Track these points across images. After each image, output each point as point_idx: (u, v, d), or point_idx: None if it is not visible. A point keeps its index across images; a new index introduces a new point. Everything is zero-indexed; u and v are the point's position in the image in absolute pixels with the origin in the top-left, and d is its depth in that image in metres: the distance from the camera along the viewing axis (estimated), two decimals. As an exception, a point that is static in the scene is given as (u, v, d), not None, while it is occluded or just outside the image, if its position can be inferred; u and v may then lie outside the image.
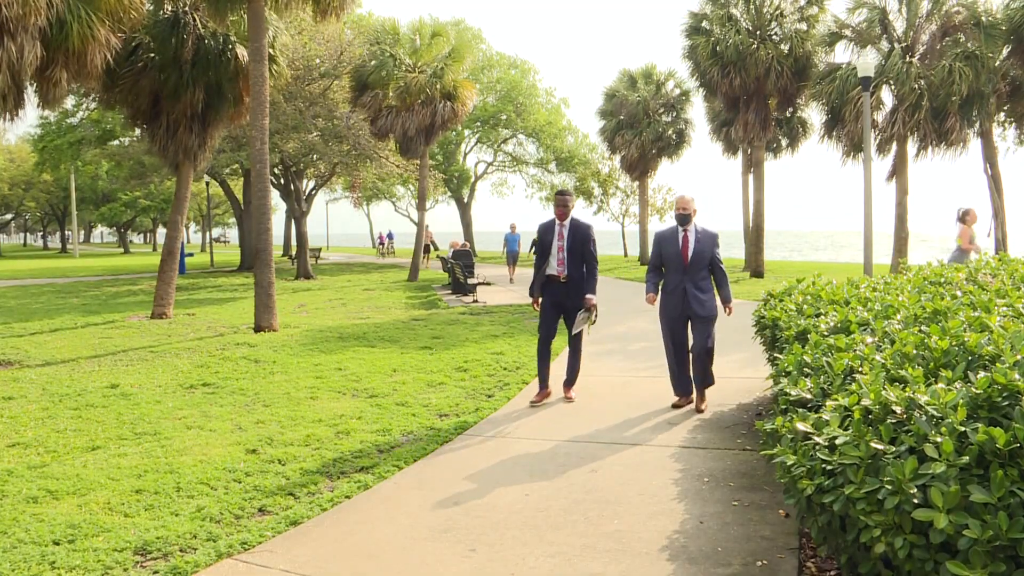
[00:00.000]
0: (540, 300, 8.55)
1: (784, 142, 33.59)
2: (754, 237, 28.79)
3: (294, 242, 41.45)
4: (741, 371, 9.65)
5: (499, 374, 10.04)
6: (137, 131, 24.21)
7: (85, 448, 6.99)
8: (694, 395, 7.91)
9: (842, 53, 24.99)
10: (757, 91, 27.18)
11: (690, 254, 7.71)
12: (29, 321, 17.44)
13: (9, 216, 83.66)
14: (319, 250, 45.71)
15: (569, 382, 8.60)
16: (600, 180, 46.60)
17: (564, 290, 8.27)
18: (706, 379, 7.83)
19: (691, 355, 7.88)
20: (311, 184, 38.26)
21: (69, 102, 32.62)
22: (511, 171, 54.77)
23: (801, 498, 3.54)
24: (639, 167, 37.64)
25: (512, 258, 28.69)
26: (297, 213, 34.97)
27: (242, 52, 17.54)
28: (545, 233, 8.35)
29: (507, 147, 52.96)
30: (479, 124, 49.09)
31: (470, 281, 21.03)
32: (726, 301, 7.86)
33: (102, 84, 16.86)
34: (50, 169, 41.38)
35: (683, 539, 4.64)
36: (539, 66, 51.58)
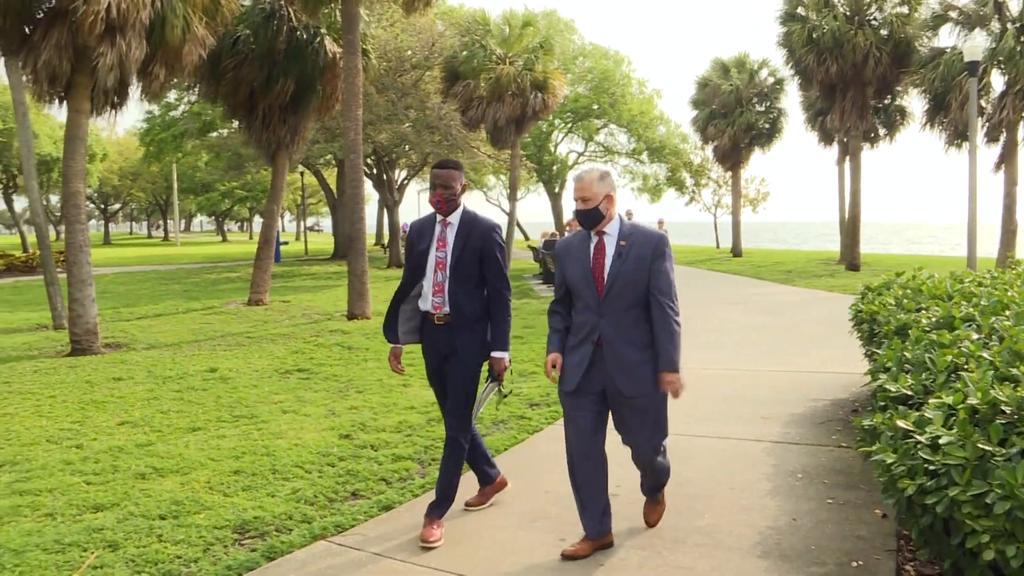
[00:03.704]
0: (399, 351, 5.06)
1: (882, 131, 32.55)
2: (850, 229, 28.02)
3: (386, 231, 42.06)
4: (836, 366, 9.41)
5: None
6: (235, 123, 24.87)
7: (187, 429, 7.26)
8: (610, 535, 4.52)
9: (946, 37, 24.14)
10: (854, 78, 26.41)
11: (607, 276, 4.28)
12: (135, 306, 18.15)
13: (118, 206, 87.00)
14: (410, 239, 46.03)
15: (441, 505, 4.79)
16: (692, 170, 46.00)
17: (446, 339, 4.79)
18: (658, 480, 4.77)
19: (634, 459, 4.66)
20: (403, 174, 38.77)
21: (171, 96, 33.72)
22: (603, 161, 54.43)
23: (901, 498, 3.43)
24: (731, 157, 37.07)
25: None
26: (389, 202, 35.52)
27: (331, 44, 17.88)
28: (418, 237, 4.91)
29: (599, 137, 52.65)
30: (570, 114, 48.89)
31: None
32: (665, 367, 4.24)
33: (204, 77, 17.40)
34: (154, 160, 42.85)
35: (776, 536, 4.56)
36: (632, 56, 51.21)
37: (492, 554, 4.46)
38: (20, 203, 59.92)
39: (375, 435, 6.85)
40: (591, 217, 4.32)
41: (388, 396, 8.39)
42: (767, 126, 36.46)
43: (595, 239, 4.38)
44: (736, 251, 37.09)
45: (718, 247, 46.22)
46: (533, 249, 27.81)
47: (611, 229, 4.36)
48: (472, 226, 4.81)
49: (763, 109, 36.75)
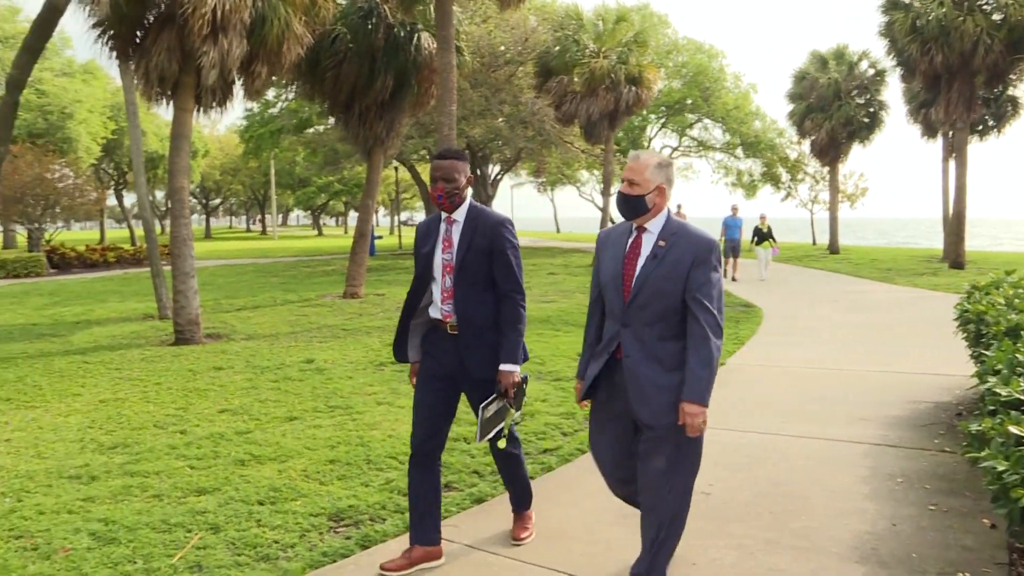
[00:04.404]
0: (417, 368, 4.50)
1: (990, 123, 31.24)
2: (954, 225, 26.99)
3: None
4: (938, 367, 9.10)
5: (681, 362, 9.88)
6: (331, 119, 25.37)
7: (284, 418, 7.45)
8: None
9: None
10: (961, 68, 25.36)
11: (635, 279, 3.71)
12: (235, 298, 18.71)
13: (218, 200, 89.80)
14: (503, 234, 46.19)
15: (520, 503, 4.71)
16: (788, 166, 45.03)
17: (453, 348, 4.27)
18: (662, 547, 3.80)
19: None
20: (497, 169, 38.97)
21: (270, 94, 34.60)
22: (697, 156, 53.74)
23: (1014, 508, 3.29)
24: (829, 152, 36.13)
25: (733, 249, 22.50)
26: (483, 197, 35.79)
27: (428, 40, 18.08)
28: (423, 239, 4.42)
29: (692, 131, 51.98)
30: (664, 109, 48.38)
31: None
32: (689, 395, 3.58)
33: (303, 75, 17.81)
34: (253, 156, 44.05)
35: (874, 541, 4.44)
36: (727, 50, 50.43)
37: (586, 549, 4.46)
38: (129, 199, 62.34)
39: (468, 428, 6.92)
40: (634, 206, 3.72)
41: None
42: (867, 119, 35.40)
43: (634, 234, 3.80)
44: (833, 248, 36.15)
45: (814, 244, 45.14)
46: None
47: (653, 226, 3.75)
48: (479, 222, 4.27)
49: (863, 102, 35.68)
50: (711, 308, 3.58)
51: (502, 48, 31.09)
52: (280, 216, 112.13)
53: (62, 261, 31.41)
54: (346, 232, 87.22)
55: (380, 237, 53.89)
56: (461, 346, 4.23)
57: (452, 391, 4.36)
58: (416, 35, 18.10)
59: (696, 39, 48.90)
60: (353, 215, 79.44)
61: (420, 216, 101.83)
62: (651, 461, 3.70)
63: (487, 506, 5.15)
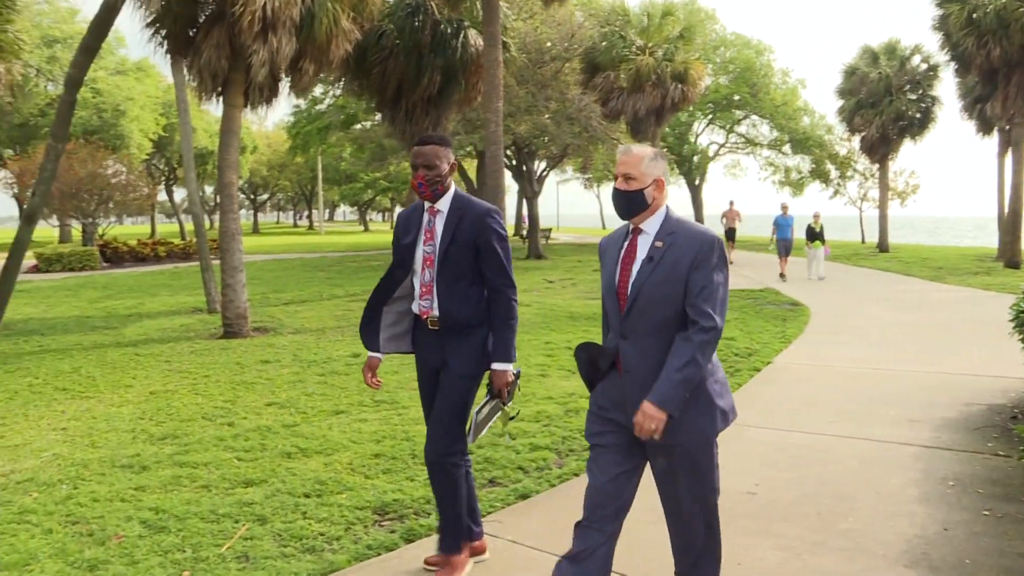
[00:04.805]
0: (374, 361, 4.28)
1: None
2: (1010, 224, 26.40)
3: (525, 222, 42.41)
4: (992, 369, 8.91)
5: (730, 360, 9.82)
6: (378, 116, 25.53)
7: (330, 412, 7.52)
8: None
9: None
10: (1020, 61, 24.73)
11: (630, 286, 3.31)
12: (282, 292, 18.95)
13: (266, 196, 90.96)
14: (549, 230, 46.38)
15: (447, 539, 4.10)
16: (837, 162, 44.39)
17: (436, 343, 4.07)
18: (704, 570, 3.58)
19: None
20: (542, 165, 38.95)
21: (317, 90, 34.94)
22: (744, 153, 53.27)
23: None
24: (879, 148, 35.49)
25: (784, 248, 22.19)
26: (529, 193, 35.78)
27: (474, 37, 18.12)
28: (403, 229, 4.14)
29: (740, 128, 51.54)
30: (711, 105, 48.02)
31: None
32: (654, 395, 3.14)
33: (351, 71, 17.96)
34: (300, 152, 44.53)
35: (924, 545, 4.35)
36: (775, 45, 49.88)
37: (628, 548, 4.42)
38: (179, 194, 63.39)
39: (512, 424, 6.92)
40: (632, 203, 3.34)
41: (526, 386, 8.45)
42: (919, 115, 34.71)
43: (629, 237, 3.42)
44: (882, 246, 35.57)
45: (863, 242, 44.48)
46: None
47: (650, 225, 3.36)
48: (464, 212, 3.97)
49: (915, 97, 34.98)
50: (713, 314, 3.19)
51: (548, 44, 31.01)
52: (327, 211, 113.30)
53: (114, 255, 32.03)
54: (392, 228, 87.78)
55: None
56: (443, 342, 4.02)
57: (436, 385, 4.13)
58: (462, 32, 18.16)
59: (744, 34, 48.46)
60: (400, 210, 79.95)
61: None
62: (667, 486, 3.40)
63: (532, 502, 5.15)
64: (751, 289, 18.55)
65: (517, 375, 4.05)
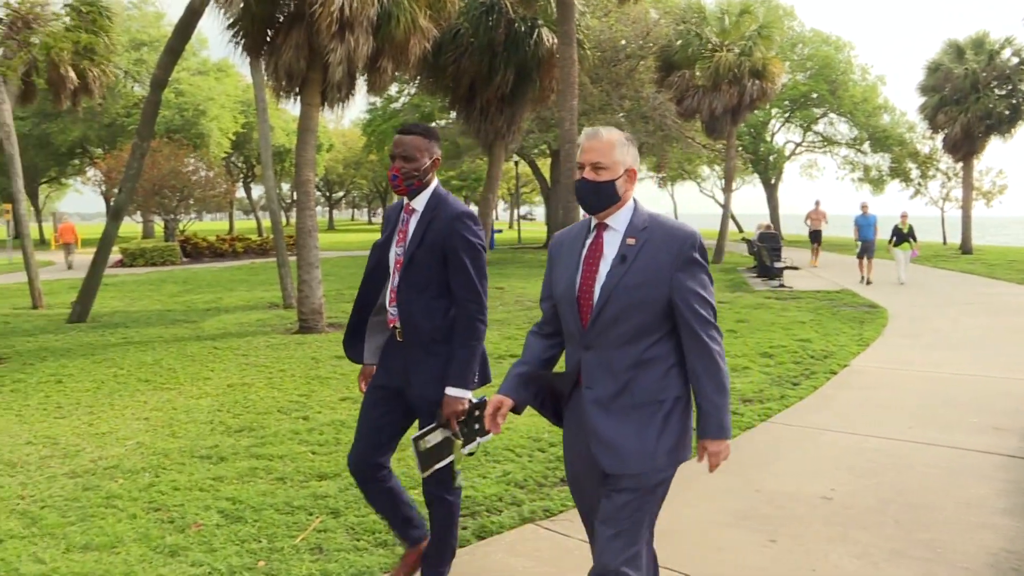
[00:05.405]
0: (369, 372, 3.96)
1: None
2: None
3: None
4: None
5: (806, 362, 9.63)
6: (452, 114, 25.71)
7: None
8: None
9: None
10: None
11: (597, 291, 2.88)
12: (356, 288, 19.17)
13: (341, 193, 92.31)
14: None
15: (430, 565, 3.87)
16: (919, 161, 43.19)
17: (401, 358, 3.69)
18: None
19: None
20: (616, 164, 38.74)
21: (393, 89, 35.34)
22: (821, 152, 52.18)
23: None
24: (964, 146, 34.38)
25: (867, 250, 20.60)
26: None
27: (548, 35, 18.12)
28: (384, 226, 3.86)
29: (817, 126, 50.50)
30: (788, 103, 47.17)
31: (776, 265, 20.36)
32: (712, 431, 2.85)
33: (425, 70, 18.11)
34: (375, 150, 45.09)
35: (1013, 560, 4.19)
36: (855, 41, 48.79)
37: (700, 550, 4.40)
38: (257, 191, 64.77)
39: (531, 439, 6.89)
40: (601, 195, 2.91)
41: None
42: (1007, 112, 33.51)
43: (593, 234, 2.98)
44: (966, 248, 34.48)
45: (945, 243, 43.23)
46: (747, 241, 27.07)
47: (618, 220, 2.94)
48: (437, 213, 3.56)
49: (1003, 93, 33.80)
50: (713, 321, 2.86)
51: (623, 42, 30.80)
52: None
53: (194, 250, 32.91)
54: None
55: (500, 231, 54.36)
56: (408, 357, 3.63)
57: (399, 405, 3.73)
58: (536, 30, 18.18)
59: (822, 31, 47.49)
60: (473, 208, 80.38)
61: (540, 211, 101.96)
62: (606, 523, 2.84)
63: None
64: (827, 290, 18.17)
65: (477, 405, 3.59)
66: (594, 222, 2.97)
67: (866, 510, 4.89)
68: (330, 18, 11.98)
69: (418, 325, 3.58)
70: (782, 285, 19.36)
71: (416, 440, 3.55)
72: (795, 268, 21.73)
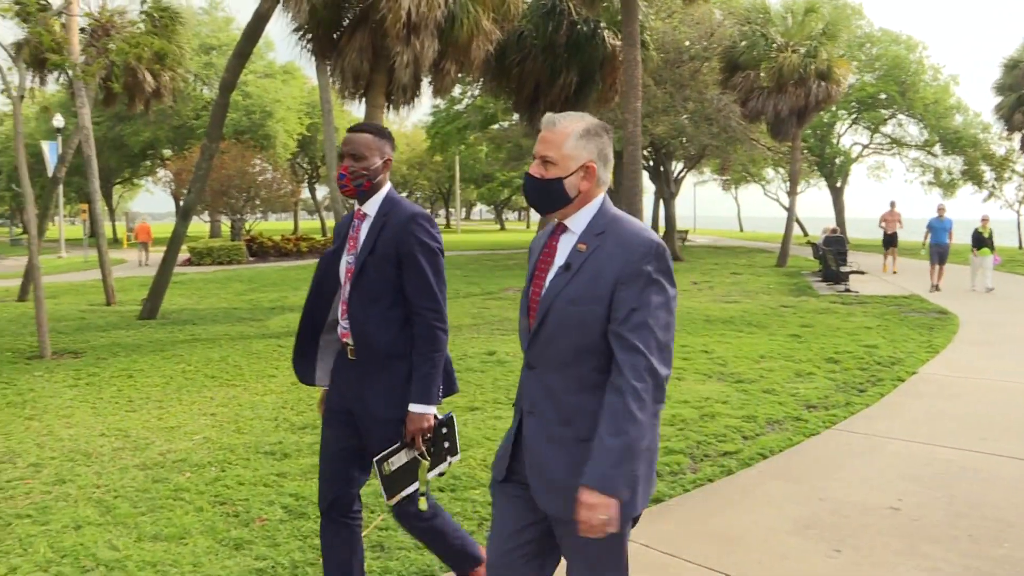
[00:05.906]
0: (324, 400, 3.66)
1: None
2: None
3: (661, 223, 42.00)
4: None
5: (872, 368, 9.43)
6: (515, 115, 25.77)
7: (465, 408, 7.61)
8: None
9: None
10: None
11: (541, 297, 2.51)
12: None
13: (404, 193, 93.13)
14: (686, 232, 45.78)
15: (459, 569, 3.70)
16: (994, 163, 42.01)
17: (354, 377, 3.39)
18: None
19: None
20: (680, 166, 38.51)
21: (456, 91, 35.59)
22: (890, 154, 51.02)
23: None
24: (1043, 146, 33.42)
25: (940, 256, 19.58)
26: (666, 195, 35.45)
27: (611, 37, 18.08)
28: (336, 234, 3.58)
29: (885, 128, 49.39)
30: (855, 104, 46.24)
31: (843, 269, 19.99)
32: (588, 479, 2.27)
33: (490, 72, 18.21)
34: (439, 151, 45.41)
35: (1091, 573, 4.07)
36: (926, 40, 47.63)
37: (763, 557, 4.33)
38: (321, 191, 65.70)
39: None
40: (545, 195, 2.52)
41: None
42: (1091, 110, 32.48)
43: (550, 236, 2.62)
44: (1042, 252, 33.53)
45: (1020, 247, 41.98)
46: (813, 245, 26.60)
47: (576, 222, 2.53)
48: (389, 217, 3.28)
49: (1087, 90, 32.75)
50: (643, 350, 2.31)
51: (687, 43, 30.56)
52: (463, 210, 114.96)
53: (260, 250, 33.47)
54: (528, 227, 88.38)
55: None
56: (361, 375, 3.34)
57: (350, 427, 3.42)
58: (599, 32, 18.15)
59: (892, 30, 46.36)
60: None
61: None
62: (570, 570, 2.55)
63: (665, 506, 5.08)
64: (894, 295, 17.77)
65: (444, 422, 3.42)
66: (555, 222, 2.61)
67: (936, 523, 4.76)
68: (398, 22, 12.10)
69: (372, 339, 3.28)
70: (848, 290, 18.97)
71: (379, 462, 3.22)
72: (861, 272, 21.29)
